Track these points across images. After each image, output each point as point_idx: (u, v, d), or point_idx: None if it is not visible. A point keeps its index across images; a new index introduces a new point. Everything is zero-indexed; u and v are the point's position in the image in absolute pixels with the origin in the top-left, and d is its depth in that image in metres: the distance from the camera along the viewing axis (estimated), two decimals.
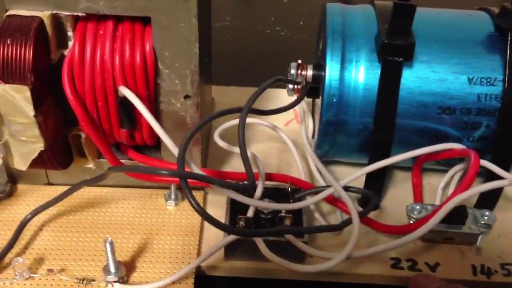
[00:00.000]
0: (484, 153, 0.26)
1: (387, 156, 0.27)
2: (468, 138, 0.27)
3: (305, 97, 0.28)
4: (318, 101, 0.30)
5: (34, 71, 0.22)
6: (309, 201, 0.25)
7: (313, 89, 0.28)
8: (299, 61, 0.28)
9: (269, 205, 0.23)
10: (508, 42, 0.25)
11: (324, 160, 0.29)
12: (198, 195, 0.28)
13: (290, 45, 0.44)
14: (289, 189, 0.26)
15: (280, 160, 0.31)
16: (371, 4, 0.29)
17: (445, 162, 0.28)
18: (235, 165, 0.30)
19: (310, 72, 0.28)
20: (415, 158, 0.28)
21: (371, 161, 0.27)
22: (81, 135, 0.26)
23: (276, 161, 0.31)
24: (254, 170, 0.24)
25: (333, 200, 0.26)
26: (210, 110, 0.33)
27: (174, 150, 0.22)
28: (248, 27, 0.46)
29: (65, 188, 0.27)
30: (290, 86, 0.29)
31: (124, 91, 0.23)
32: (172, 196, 0.28)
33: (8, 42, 0.22)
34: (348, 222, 0.23)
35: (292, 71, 0.28)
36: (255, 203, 0.23)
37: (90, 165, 0.27)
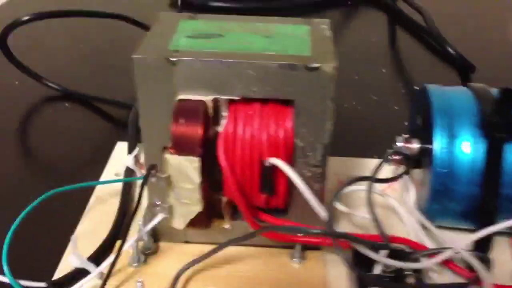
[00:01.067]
0: None
1: (492, 223, 0.30)
2: None
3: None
4: (417, 171, 0.33)
5: (202, 145, 0.26)
6: (433, 261, 0.27)
7: (418, 160, 0.32)
8: (405, 135, 0.32)
9: (400, 264, 0.26)
10: None
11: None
12: (317, 254, 0.31)
13: (368, 118, 0.48)
14: (407, 250, 0.29)
15: (386, 223, 0.34)
16: (465, 86, 0.33)
17: None
18: (349, 228, 0.33)
19: (416, 145, 0.32)
20: None
21: (480, 227, 0.30)
22: (221, 199, 0.30)
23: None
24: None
25: (446, 261, 0.29)
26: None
27: (323, 212, 0.26)
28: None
29: (201, 246, 0.31)
30: (390, 157, 0.33)
31: (275, 161, 0.27)
32: (297, 255, 0.31)
33: (182, 122, 0.26)
34: (475, 281, 0.26)
35: (399, 144, 0.32)
36: (390, 263, 0.26)
37: (226, 226, 0.31)
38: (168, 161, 0.26)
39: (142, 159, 0.41)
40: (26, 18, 0.49)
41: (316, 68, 0.26)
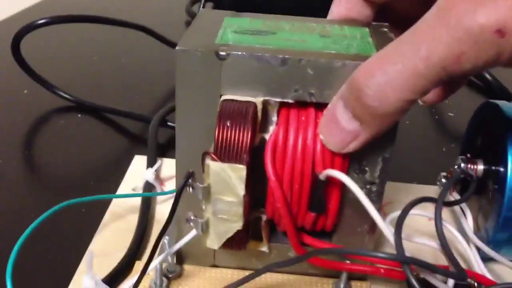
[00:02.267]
0: None
1: None
2: None
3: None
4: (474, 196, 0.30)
5: (249, 152, 0.23)
6: None
7: (480, 183, 0.29)
8: (468, 155, 0.29)
9: None
10: None
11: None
12: (363, 285, 0.28)
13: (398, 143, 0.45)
14: (474, 283, 0.25)
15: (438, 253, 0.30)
16: None
17: None
18: None
19: (481, 167, 0.28)
20: None
21: None
22: (261, 217, 0.26)
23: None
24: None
25: None
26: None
27: (390, 234, 0.22)
28: None
29: (231, 271, 0.27)
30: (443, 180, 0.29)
31: (333, 172, 0.23)
32: (342, 285, 0.27)
33: (228, 125, 0.23)
34: None
35: (462, 165, 0.29)
36: None
37: (264, 248, 0.27)
38: (210, 168, 0.22)
39: (162, 174, 0.37)
40: (41, 21, 0.46)
41: None
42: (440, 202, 0.24)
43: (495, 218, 0.27)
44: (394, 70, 0.20)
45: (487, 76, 0.53)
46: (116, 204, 0.33)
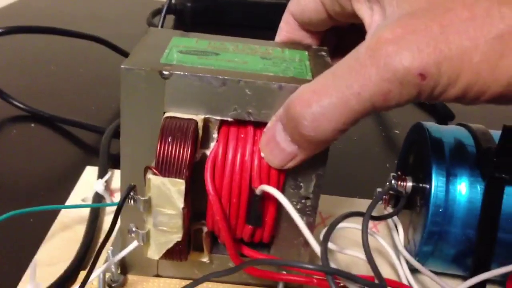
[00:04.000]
0: None
1: (487, 269, 0.28)
2: None
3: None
4: (404, 211, 0.32)
5: (189, 167, 0.24)
6: None
7: (410, 199, 0.31)
8: (399, 172, 0.31)
9: None
10: None
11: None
12: None
13: (347, 157, 0.47)
14: None
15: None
16: (461, 125, 0.32)
17: None
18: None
19: (409, 184, 0.30)
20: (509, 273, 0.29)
21: (473, 274, 0.28)
22: (203, 229, 0.28)
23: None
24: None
25: None
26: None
27: (316, 246, 0.24)
28: None
29: (174, 281, 0.28)
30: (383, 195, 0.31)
31: (267, 188, 0.25)
32: None
33: (169, 141, 0.24)
34: None
35: (393, 182, 0.31)
36: None
37: (205, 259, 0.28)
38: (151, 182, 0.23)
39: (112, 185, 0.38)
40: None
41: None
42: (367, 217, 0.25)
43: (421, 232, 0.29)
44: (329, 102, 0.22)
45: None
46: (64, 215, 0.34)
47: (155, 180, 0.23)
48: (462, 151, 0.29)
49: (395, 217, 0.33)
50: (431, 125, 0.31)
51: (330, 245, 0.29)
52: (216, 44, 0.29)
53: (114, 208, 0.35)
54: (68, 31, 0.52)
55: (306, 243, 0.28)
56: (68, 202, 0.35)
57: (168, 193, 0.24)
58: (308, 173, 0.26)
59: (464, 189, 0.28)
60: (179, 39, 0.29)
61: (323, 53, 0.29)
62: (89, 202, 0.35)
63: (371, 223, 0.36)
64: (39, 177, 0.39)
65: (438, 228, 0.28)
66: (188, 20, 0.72)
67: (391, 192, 0.30)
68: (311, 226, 0.27)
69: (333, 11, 0.27)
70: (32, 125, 0.46)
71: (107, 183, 0.37)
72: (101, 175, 0.37)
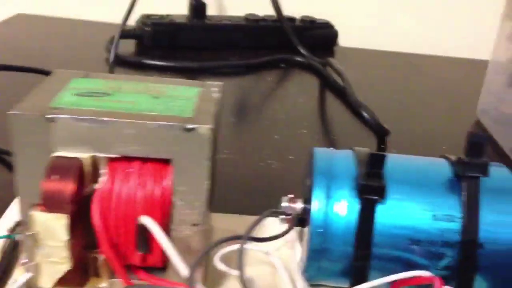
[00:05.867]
0: (450, 280, 0.31)
1: (365, 280, 0.31)
2: (435, 267, 0.31)
3: (295, 226, 0.33)
4: (306, 229, 0.34)
5: (73, 203, 0.26)
6: None
7: (301, 219, 0.33)
8: (290, 196, 0.33)
9: None
10: (462, 186, 0.31)
11: (311, 284, 0.33)
12: None
13: (281, 176, 0.49)
14: None
15: (272, 283, 0.34)
16: (351, 149, 0.34)
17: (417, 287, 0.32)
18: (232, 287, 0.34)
19: (300, 205, 0.33)
20: (391, 284, 0.32)
21: (353, 285, 0.31)
22: (98, 257, 0.30)
23: (269, 284, 0.34)
24: None
25: None
26: (209, 236, 0.37)
27: (184, 271, 0.26)
28: (243, 160, 0.51)
29: None
30: (282, 216, 0.33)
31: (145, 220, 0.27)
32: None
33: (53, 178, 0.26)
34: None
35: (283, 204, 0.33)
36: None
37: (104, 285, 0.30)
38: (35, 218, 0.26)
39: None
40: None
41: (193, 129, 0.27)
42: (245, 238, 0.28)
43: (306, 250, 0.32)
44: None
45: (365, 114, 0.58)
46: None
47: (38, 216, 0.26)
48: (343, 175, 0.32)
49: (294, 237, 0.36)
50: (320, 151, 0.34)
51: (223, 266, 0.31)
52: (113, 84, 0.31)
53: None
54: (10, 66, 0.54)
55: (201, 266, 0.31)
56: None
57: (53, 227, 0.26)
58: (193, 203, 0.29)
59: (343, 211, 0.31)
60: (78, 80, 0.31)
61: (215, 89, 0.32)
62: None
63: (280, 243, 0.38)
64: None
65: (319, 246, 0.31)
66: (149, 43, 0.75)
67: (287, 213, 0.33)
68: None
69: None
70: None
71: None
72: None
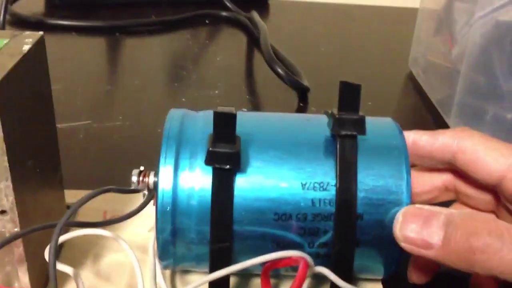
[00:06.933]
0: (328, 259, 0.26)
1: (228, 264, 0.25)
2: (308, 245, 0.26)
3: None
4: None
5: None
6: None
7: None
8: (141, 168, 0.28)
9: None
10: (337, 147, 0.25)
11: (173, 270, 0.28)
12: None
13: (137, 141, 0.44)
14: None
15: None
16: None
17: (293, 269, 0.27)
18: None
19: (152, 179, 0.27)
20: (263, 266, 0.27)
21: (211, 270, 0.25)
22: None
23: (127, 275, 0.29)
24: None
25: None
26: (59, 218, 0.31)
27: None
28: (137, 127, 0.45)
29: None
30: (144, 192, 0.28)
31: None
32: None
33: None
34: None
35: (134, 179, 0.27)
36: None
37: None
38: None
39: None
40: None
41: None
42: (60, 225, 0.22)
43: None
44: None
45: (279, 71, 0.52)
46: None
47: None
48: (199, 141, 0.26)
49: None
50: (177, 111, 0.28)
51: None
52: None
53: None
54: None
55: (20, 260, 0.25)
56: None
57: None
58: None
59: (196, 183, 0.25)
60: None
61: (29, 40, 0.26)
62: None
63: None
64: None
65: (170, 227, 0.25)
66: (57, 1, 0.68)
67: (132, 190, 0.27)
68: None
69: None
70: None
71: None
72: None
